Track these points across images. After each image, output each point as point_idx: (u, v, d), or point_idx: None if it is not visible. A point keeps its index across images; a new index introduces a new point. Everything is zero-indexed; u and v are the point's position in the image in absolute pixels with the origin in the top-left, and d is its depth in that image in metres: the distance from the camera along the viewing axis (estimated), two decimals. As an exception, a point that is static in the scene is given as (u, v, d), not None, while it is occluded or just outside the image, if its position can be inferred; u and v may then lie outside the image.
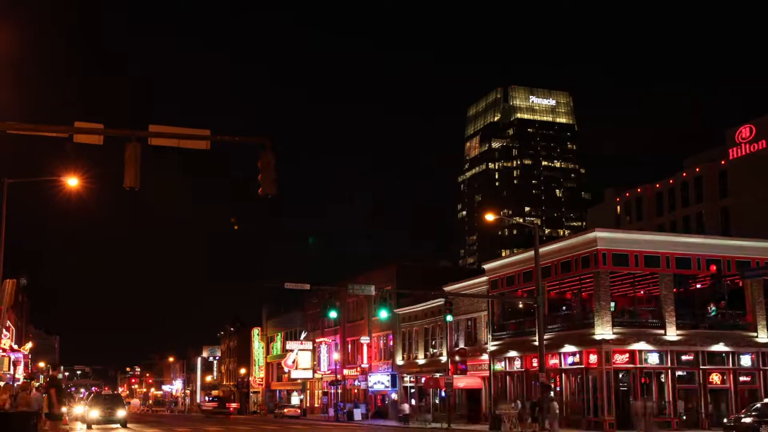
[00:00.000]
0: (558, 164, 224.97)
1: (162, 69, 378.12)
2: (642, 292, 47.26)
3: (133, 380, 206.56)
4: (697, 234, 58.92)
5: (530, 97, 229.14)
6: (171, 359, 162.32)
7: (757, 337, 42.86)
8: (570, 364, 43.55)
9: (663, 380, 41.38)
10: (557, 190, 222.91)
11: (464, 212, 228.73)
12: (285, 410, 76.59)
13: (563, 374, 44.08)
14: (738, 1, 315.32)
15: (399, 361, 64.99)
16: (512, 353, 48.49)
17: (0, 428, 17.60)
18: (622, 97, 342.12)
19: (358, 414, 63.61)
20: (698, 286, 44.43)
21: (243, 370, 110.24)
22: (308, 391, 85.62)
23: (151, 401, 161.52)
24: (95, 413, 43.24)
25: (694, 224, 78.21)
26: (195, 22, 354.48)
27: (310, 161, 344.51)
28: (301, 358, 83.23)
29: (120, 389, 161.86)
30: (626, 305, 45.92)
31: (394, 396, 64.69)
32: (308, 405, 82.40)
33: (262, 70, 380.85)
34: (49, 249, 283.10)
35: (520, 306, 48.96)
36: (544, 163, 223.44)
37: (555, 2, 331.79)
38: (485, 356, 51.72)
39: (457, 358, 53.58)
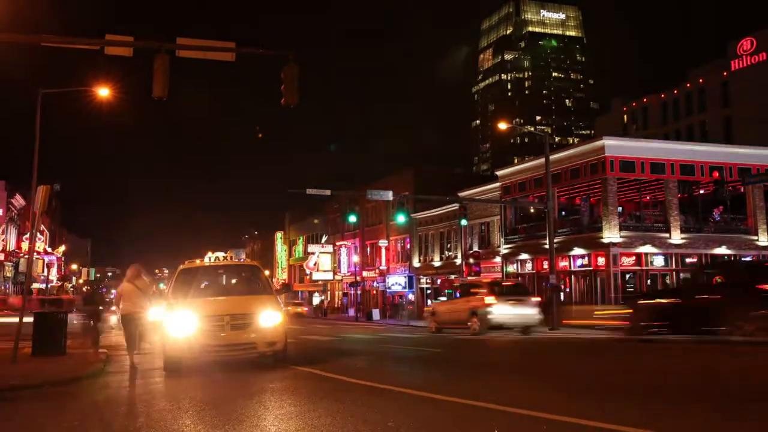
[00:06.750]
0: (567, 75, 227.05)
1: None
2: (648, 197, 47.91)
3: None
4: (700, 142, 59.54)
5: (541, 11, 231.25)
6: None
7: (757, 240, 44.06)
8: (579, 267, 44.60)
9: (668, 282, 42.32)
10: (567, 100, 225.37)
11: (478, 121, 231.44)
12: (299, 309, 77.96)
13: (572, 276, 45.18)
14: None
15: (416, 263, 66.83)
16: (524, 256, 49.79)
17: (38, 325, 19.05)
18: (628, 12, 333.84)
19: (376, 314, 65.64)
20: (701, 191, 45.15)
21: (267, 272, 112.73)
22: (329, 292, 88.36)
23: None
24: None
25: (697, 133, 79.08)
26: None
27: (328, 75, 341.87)
28: (322, 261, 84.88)
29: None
30: (633, 210, 46.63)
31: (410, 297, 66.86)
32: (328, 305, 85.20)
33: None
34: (81, 157, 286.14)
35: (532, 211, 49.92)
36: (554, 74, 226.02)
37: None
38: (498, 259, 52.88)
39: (471, 260, 54.32)
